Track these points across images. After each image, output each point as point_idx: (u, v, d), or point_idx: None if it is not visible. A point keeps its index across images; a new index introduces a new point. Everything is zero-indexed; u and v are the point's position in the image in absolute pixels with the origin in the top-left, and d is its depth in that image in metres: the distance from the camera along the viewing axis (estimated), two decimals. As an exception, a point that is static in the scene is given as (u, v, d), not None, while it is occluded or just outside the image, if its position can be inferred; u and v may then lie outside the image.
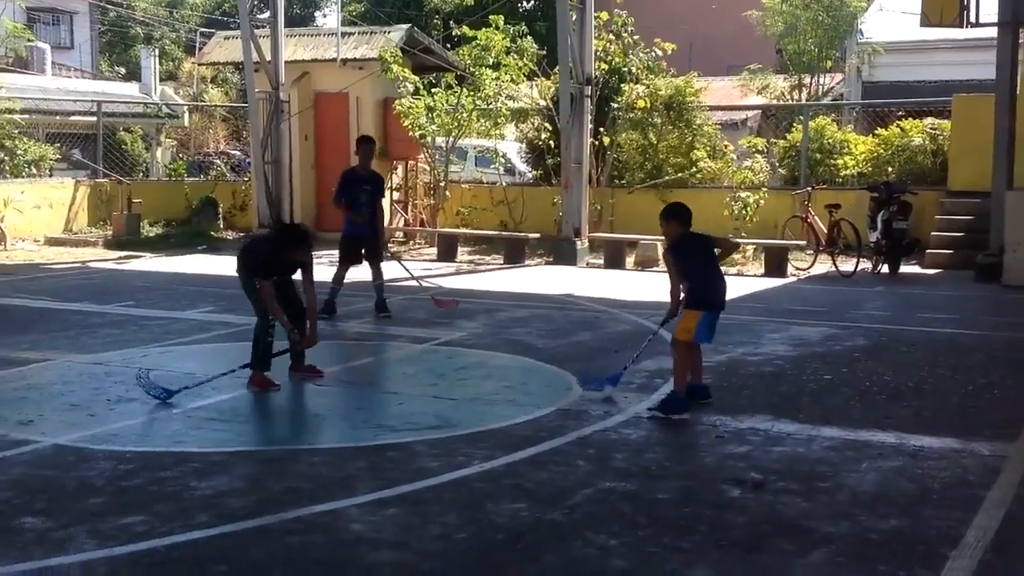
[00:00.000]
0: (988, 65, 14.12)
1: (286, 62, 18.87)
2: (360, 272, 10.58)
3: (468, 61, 18.05)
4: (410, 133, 17.84)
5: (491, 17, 18.15)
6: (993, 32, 13.70)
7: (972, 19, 14.95)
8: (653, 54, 18.93)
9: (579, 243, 16.10)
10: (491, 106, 18.07)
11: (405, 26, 20.52)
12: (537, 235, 16.92)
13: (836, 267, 14.31)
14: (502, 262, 16.28)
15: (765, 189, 16.83)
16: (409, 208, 19.80)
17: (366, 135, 11.97)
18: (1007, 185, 13.15)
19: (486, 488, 5.19)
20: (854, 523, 4.71)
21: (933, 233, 15.26)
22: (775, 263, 14.40)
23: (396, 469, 5.48)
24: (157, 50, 33.04)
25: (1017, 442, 6.02)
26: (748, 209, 16.16)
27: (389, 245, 13.71)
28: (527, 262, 16.24)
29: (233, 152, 26.88)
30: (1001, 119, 13.41)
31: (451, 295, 11.48)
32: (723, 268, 14.35)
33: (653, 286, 11.42)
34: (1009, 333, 9.87)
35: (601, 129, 18.08)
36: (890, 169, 17.17)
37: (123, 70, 36.51)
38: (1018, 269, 12.56)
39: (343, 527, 4.64)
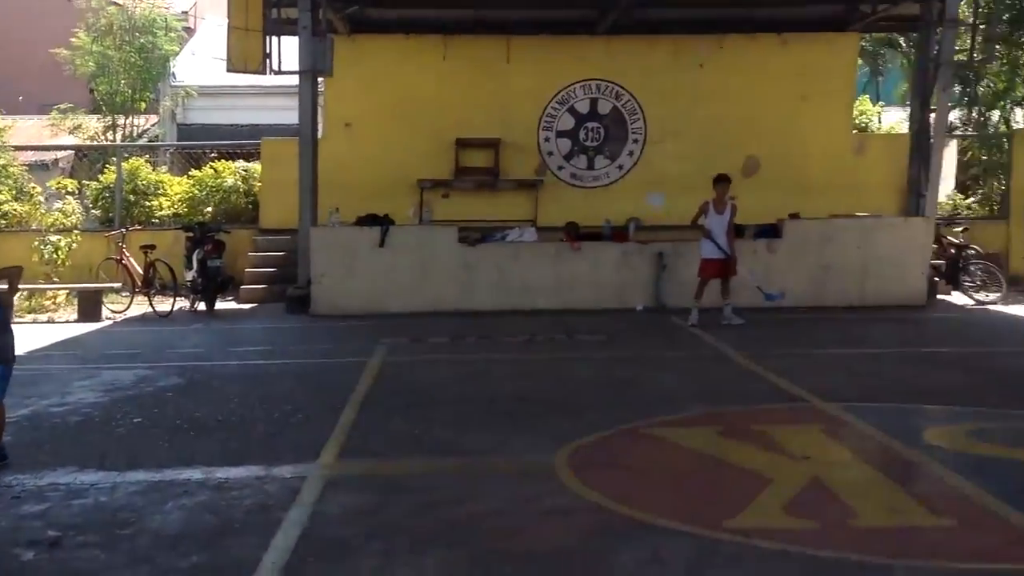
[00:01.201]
0: (293, 110, 14.93)
1: None
2: None
3: None
4: None
5: None
6: (296, 79, 14.48)
7: (275, 67, 15.75)
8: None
9: None
10: None
11: None
12: None
13: (153, 308, 14.15)
14: None
15: (78, 232, 16.15)
16: None
17: None
18: (312, 222, 13.99)
19: None
20: (154, 566, 4.60)
21: (247, 269, 15.81)
22: (89, 307, 13.83)
23: None
24: None
25: (317, 461, 6.37)
26: (60, 253, 15.42)
27: None
28: None
29: None
30: (305, 161, 14.22)
31: None
32: (33, 316, 13.38)
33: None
34: (313, 359, 10.45)
35: None
36: (208, 209, 17.47)
37: None
38: (323, 299, 13.51)
39: None
